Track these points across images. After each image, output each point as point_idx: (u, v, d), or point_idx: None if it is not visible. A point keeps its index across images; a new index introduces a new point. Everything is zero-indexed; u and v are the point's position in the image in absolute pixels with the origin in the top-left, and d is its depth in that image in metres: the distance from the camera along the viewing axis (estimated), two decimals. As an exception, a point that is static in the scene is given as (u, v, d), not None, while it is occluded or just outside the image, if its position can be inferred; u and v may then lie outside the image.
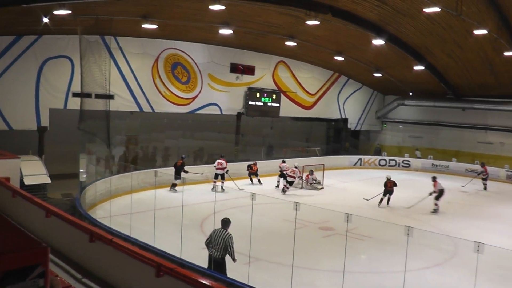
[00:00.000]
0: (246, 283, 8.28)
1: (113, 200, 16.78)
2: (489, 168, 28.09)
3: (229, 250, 9.11)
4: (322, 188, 22.96)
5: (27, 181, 15.18)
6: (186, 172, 19.55)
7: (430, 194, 18.92)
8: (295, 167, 21.83)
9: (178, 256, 9.84)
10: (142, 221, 12.70)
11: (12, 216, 10.69)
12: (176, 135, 26.23)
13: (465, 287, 7.47)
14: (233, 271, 9.29)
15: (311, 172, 23.23)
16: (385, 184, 19.69)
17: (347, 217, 7.75)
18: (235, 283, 8.11)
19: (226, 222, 9.41)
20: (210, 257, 9.26)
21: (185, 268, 7.70)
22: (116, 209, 15.43)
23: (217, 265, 9.11)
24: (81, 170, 17.24)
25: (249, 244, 10.03)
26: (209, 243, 9.33)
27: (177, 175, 19.43)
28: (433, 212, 18.58)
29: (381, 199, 19.57)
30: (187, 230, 12.65)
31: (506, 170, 29.87)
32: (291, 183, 21.55)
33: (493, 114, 31.80)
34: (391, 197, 19.61)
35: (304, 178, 22.99)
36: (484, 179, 25.31)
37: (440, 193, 18.87)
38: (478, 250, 6.70)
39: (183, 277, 6.02)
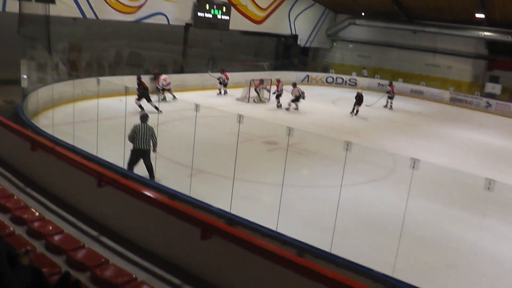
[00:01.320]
0: (188, 194, 8.37)
1: (56, 108, 16.29)
2: (434, 90, 29.04)
3: (153, 140, 10.39)
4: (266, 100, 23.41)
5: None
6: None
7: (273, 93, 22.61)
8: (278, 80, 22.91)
9: (121, 166, 9.81)
10: (85, 131, 12.44)
11: None
12: (120, 44, 25.40)
13: (399, 201, 7.82)
14: (176, 182, 9.37)
15: (262, 81, 23.33)
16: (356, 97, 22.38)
17: (289, 130, 7.84)
18: (177, 194, 8.17)
19: (145, 117, 10.61)
20: (135, 150, 10.27)
21: (128, 178, 7.70)
22: (59, 118, 15.04)
23: (143, 155, 10.28)
24: (23, 76, 16.48)
25: (190, 156, 10.03)
26: (133, 138, 10.27)
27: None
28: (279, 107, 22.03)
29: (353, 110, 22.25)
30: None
31: (450, 93, 30.88)
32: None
33: (443, 38, 32.22)
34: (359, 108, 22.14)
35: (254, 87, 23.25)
36: (391, 98, 26.11)
37: (296, 98, 21.76)
38: (413, 167, 6.96)
39: (125, 187, 6.03)
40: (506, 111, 28.74)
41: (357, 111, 22.12)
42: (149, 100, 17.74)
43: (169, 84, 21.07)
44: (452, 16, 29.39)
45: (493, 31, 29.12)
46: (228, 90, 24.61)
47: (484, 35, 29.70)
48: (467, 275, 8.17)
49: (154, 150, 10.45)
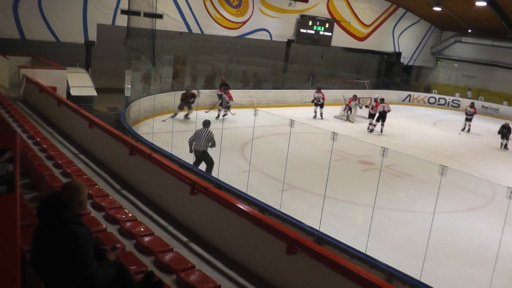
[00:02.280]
0: (279, 209, 8.33)
1: (156, 117, 17.03)
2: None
3: (211, 143, 11.32)
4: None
5: (73, 92, 15.46)
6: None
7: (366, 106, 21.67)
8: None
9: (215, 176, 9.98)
10: (184, 140, 12.86)
11: (57, 124, 11.01)
12: (224, 58, 26.10)
13: (496, 233, 7.29)
14: (267, 196, 9.38)
15: (355, 97, 22.31)
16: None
17: (383, 151, 7.58)
18: (268, 208, 8.16)
19: (207, 123, 11.57)
20: (194, 151, 11.43)
21: (221, 189, 7.79)
22: (160, 126, 15.67)
23: (201, 155, 11.35)
24: (127, 86, 17.41)
25: (285, 171, 10.01)
26: (193, 139, 11.42)
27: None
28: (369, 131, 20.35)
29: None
30: (227, 152, 12.76)
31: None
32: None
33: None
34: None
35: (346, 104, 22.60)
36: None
37: (380, 115, 20.18)
38: (510, 196, 6.46)
39: (216, 196, 6.09)
40: None
41: (505, 145, 19.94)
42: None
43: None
44: None
45: None
46: (324, 111, 22.57)
47: None
48: None
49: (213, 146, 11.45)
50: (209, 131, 11.41)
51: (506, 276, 8.38)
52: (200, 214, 6.46)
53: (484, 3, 25.04)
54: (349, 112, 22.40)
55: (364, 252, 7.31)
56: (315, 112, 22.42)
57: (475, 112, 23.22)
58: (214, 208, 6.09)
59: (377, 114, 20.48)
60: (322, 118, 22.11)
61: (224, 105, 19.11)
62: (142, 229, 5.85)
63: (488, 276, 6.93)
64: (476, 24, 30.81)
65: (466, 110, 23.29)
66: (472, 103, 24.19)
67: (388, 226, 10.16)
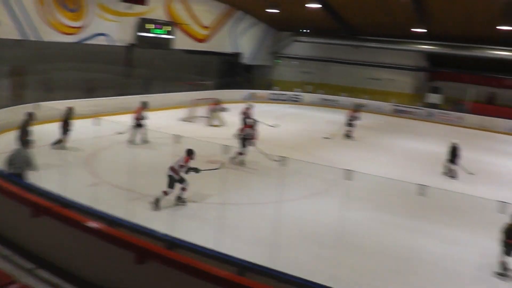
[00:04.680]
0: (129, 219, 8.28)
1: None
2: (377, 103, 30.05)
3: (30, 165, 10.01)
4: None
5: None
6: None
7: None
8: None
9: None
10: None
11: None
12: (65, 66, 24.90)
13: (340, 213, 8.03)
14: (117, 208, 9.27)
15: (217, 102, 22.47)
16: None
17: (225, 148, 7.95)
18: (117, 220, 8.06)
19: (27, 142, 11.05)
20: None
21: (68, 207, 7.57)
22: (4, 146, 14.64)
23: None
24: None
25: (134, 179, 9.99)
26: (10, 161, 9.91)
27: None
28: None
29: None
30: (72, 167, 12.34)
31: (393, 105, 31.85)
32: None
33: (384, 52, 33.43)
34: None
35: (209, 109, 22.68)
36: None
37: None
38: (349, 178, 7.18)
39: (60, 216, 5.96)
40: (447, 120, 30.15)
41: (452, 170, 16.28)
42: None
43: None
44: (392, 31, 30.43)
45: (433, 44, 30.50)
46: (171, 114, 22.95)
47: (425, 48, 31.01)
48: (410, 280, 8.44)
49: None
50: (26, 151, 10.35)
51: (354, 250, 9.23)
52: (46, 237, 6.26)
53: (317, 5, 26.76)
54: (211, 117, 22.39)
55: (217, 249, 7.57)
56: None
57: (356, 118, 21.84)
58: (59, 228, 5.96)
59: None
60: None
61: None
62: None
63: (335, 253, 7.56)
64: (311, 24, 32.98)
65: (348, 114, 22.00)
66: (357, 106, 23.26)
67: (239, 220, 10.59)
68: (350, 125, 21.37)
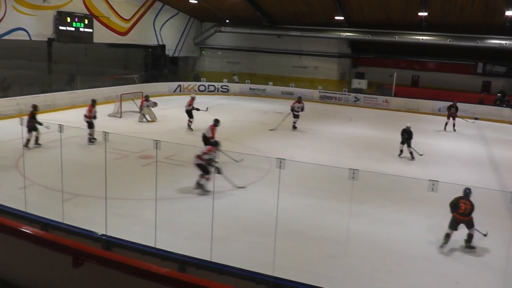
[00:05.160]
0: (63, 221, 8.03)
1: None
2: (304, 90, 30.63)
3: None
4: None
5: None
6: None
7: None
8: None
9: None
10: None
11: None
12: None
13: (275, 200, 8.10)
14: (49, 210, 8.98)
15: (147, 98, 21.92)
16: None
17: (156, 143, 7.84)
18: (51, 223, 7.79)
19: None
20: None
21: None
22: None
23: None
24: None
25: (64, 180, 9.65)
26: None
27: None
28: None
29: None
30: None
31: (319, 91, 32.54)
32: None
33: (307, 41, 34.17)
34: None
35: (139, 105, 22.26)
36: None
37: None
38: (280, 166, 7.27)
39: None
40: (374, 103, 31.13)
41: (410, 153, 16.81)
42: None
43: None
44: (313, 19, 31.07)
45: (353, 31, 31.44)
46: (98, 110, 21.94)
47: (345, 35, 31.84)
48: (347, 262, 8.64)
49: None
50: None
51: (291, 237, 9.35)
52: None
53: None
54: (143, 113, 21.83)
55: (155, 246, 7.48)
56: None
57: (302, 108, 21.43)
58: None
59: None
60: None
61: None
62: None
63: (273, 241, 7.64)
64: (233, 14, 33.06)
65: (293, 106, 21.48)
66: (300, 98, 21.99)
67: (175, 215, 10.49)
68: (295, 116, 21.39)
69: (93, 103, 17.11)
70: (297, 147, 17.67)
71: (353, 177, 7.00)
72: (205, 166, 11.61)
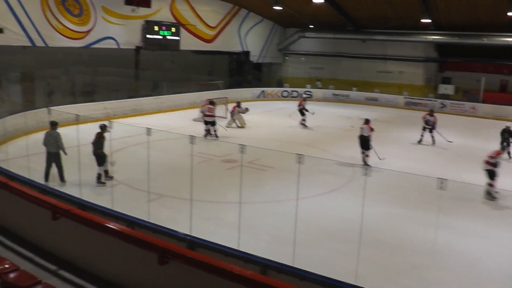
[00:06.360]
0: (148, 220, 8.27)
1: (11, 142, 15.94)
2: (389, 96, 29.87)
3: (59, 144, 11.86)
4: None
5: None
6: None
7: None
8: (210, 104, 19.46)
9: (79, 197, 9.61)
10: (42, 163, 12.22)
11: None
12: (73, 71, 25.05)
13: (359, 208, 7.92)
14: (135, 209, 9.27)
15: (238, 104, 21.85)
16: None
17: (241, 148, 7.87)
18: (136, 221, 8.05)
19: (54, 124, 12.11)
20: (48, 153, 11.97)
21: (86, 209, 7.55)
22: (14, 152, 14.71)
23: (55, 158, 11.94)
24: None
25: (150, 180, 9.96)
26: (45, 142, 11.95)
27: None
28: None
29: None
30: (88, 169, 12.31)
31: (404, 97, 31.69)
32: (212, 124, 18.94)
33: (392, 45, 33.24)
34: None
35: (230, 111, 22.35)
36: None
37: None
38: (366, 174, 7.09)
39: (79, 218, 5.92)
40: (461, 110, 29.83)
41: (508, 153, 16.79)
42: None
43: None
44: (398, 23, 30.25)
45: (441, 34, 30.22)
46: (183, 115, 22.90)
47: (432, 38, 30.77)
48: (432, 275, 8.30)
49: (65, 153, 12.04)
50: (56, 131, 11.95)
51: (374, 246, 9.11)
52: (66, 239, 6.25)
53: (321, 0, 26.66)
54: (233, 118, 21.94)
55: (237, 248, 7.52)
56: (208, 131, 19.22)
57: (435, 122, 19.45)
58: (79, 230, 5.93)
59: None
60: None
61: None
62: (6, 266, 5.51)
63: (356, 248, 7.47)
64: (316, 19, 32.86)
65: (424, 118, 19.69)
66: (431, 111, 20.01)
67: (257, 219, 10.52)
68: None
69: (213, 104, 19.20)
70: (383, 155, 17.20)
71: (441, 187, 6.70)
72: (494, 171, 12.05)
